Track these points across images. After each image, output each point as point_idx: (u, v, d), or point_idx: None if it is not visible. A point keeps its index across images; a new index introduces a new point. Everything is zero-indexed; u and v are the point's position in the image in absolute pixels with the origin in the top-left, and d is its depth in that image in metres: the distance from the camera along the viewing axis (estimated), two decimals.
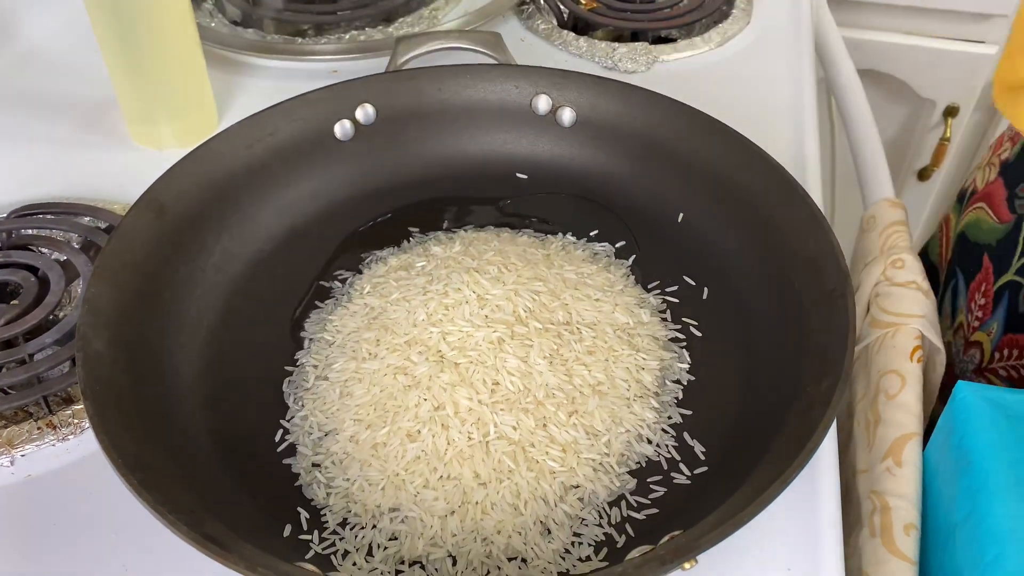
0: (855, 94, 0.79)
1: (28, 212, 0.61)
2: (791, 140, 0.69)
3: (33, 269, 0.57)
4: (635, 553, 0.40)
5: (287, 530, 0.44)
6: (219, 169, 0.57)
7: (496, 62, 0.65)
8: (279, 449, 0.48)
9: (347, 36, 0.80)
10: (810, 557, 0.45)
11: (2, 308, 0.55)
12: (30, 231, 0.60)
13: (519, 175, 0.63)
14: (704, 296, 0.55)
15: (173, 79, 0.67)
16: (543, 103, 0.63)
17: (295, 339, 0.54)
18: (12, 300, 0.56)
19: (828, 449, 0.49)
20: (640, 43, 0.78)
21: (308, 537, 0.44)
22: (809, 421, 0.42)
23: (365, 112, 0.62)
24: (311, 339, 0.53)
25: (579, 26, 0.81)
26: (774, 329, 0.51)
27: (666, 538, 0.41)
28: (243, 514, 0.44)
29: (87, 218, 0.61)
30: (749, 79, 0.76)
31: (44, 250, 0.59)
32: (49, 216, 0.61)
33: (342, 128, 0.61)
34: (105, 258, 0.49)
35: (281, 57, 0.77)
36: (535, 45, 0.80)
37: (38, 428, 0.49)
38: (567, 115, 0.62)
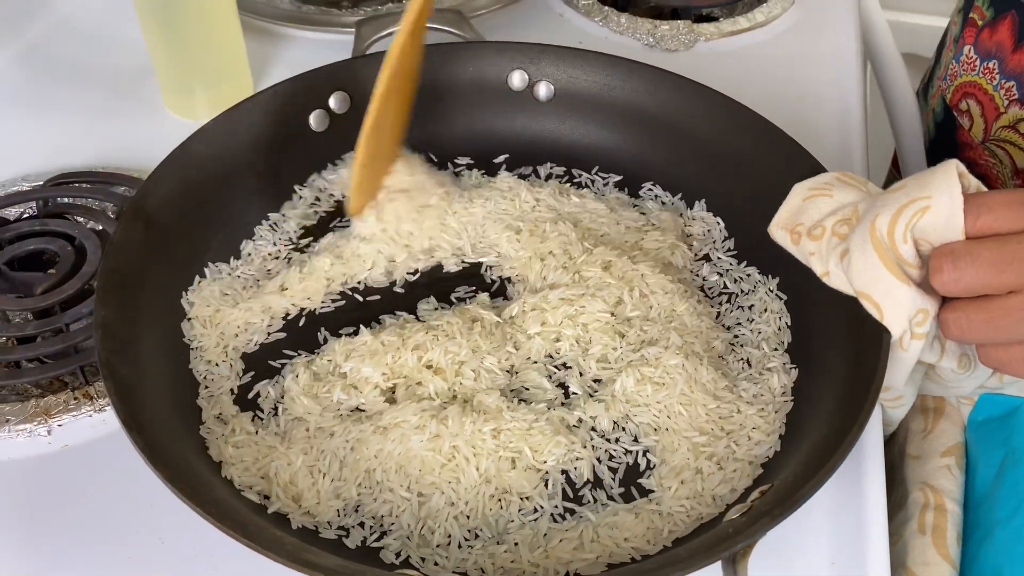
0: (899, 79, 0.76)
1: (64, 180, 0.61)
2: (835, 124, 0.67)
3: (70, 238, 0.57)
4: (733, 513, 0.39)
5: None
6: (200, 172, 0.54)
7: (463, 40, 0.63)
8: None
9: (383, 8, 0.78)
10: (855, 553, 0.43)
11: (39, 277, 0.54)
12: (66, 199, 0.60)
13: (498, 158, 0.62)
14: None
15: (210, 49, 0.66)
16: (518, 79, 0.61)
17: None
18: (49, 269, 0.55)
19: (873, 441, 0.47)
20: (683, 21, 0.76)
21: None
22: (864, 367, 0.42)
23: (338, 100, 0.60)
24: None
25: (620, 2, 0.79)
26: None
27: (756, 494, 0.40)
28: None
29: (123, 187, 0.60)
30: (793, 60, 0.74)
31: (80, 219, 0.58)
32: (85, 185, 0.61)
33: (316, 118, 0.60)
34: (105, 278, 0.46)
35: (316, 28, 0.75)
36: (573, 20, 0.79)
37: (74, 398, 0.48)
38: (543, 89, 0.61)
